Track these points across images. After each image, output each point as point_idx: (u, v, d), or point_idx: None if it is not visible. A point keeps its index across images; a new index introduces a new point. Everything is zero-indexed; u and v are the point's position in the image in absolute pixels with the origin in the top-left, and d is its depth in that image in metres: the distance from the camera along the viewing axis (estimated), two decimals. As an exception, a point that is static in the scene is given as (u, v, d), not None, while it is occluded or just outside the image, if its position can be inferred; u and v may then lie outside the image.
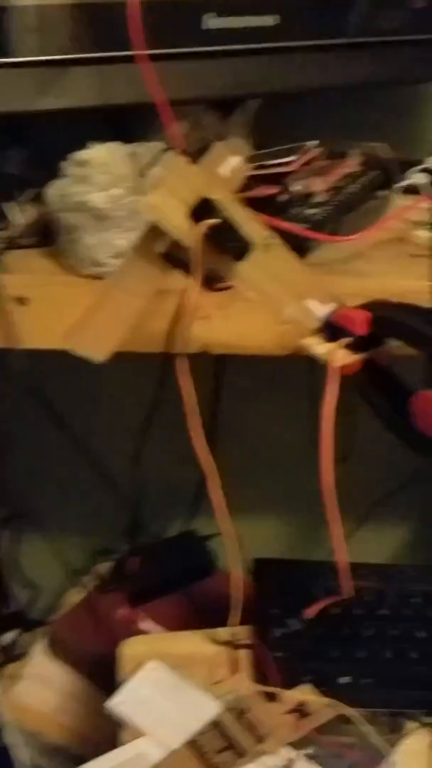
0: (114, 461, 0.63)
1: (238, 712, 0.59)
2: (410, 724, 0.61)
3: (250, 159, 0.60)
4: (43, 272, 0.58)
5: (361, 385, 0.48)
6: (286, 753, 0.57)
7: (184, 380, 0.48)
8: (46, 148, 0.63)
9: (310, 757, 0.57)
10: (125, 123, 0.69)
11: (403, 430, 0.47)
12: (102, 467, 0.62)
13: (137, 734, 0.58)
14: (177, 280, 0.53)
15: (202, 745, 0.57)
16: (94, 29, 0.59)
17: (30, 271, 0.58)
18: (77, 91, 0.60)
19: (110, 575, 0.90)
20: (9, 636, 0.78)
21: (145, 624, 0.82)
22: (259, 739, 0.57)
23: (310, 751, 0.58)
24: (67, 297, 0.56)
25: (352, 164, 0.67)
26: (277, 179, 0.64)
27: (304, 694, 0.60)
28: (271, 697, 0.60)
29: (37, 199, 0.65)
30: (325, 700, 0.59)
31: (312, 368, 0.91)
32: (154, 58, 0.56)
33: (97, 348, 0.45)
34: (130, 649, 0.65)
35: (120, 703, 0.59)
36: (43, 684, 0.86)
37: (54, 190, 0.55)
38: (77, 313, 0.47)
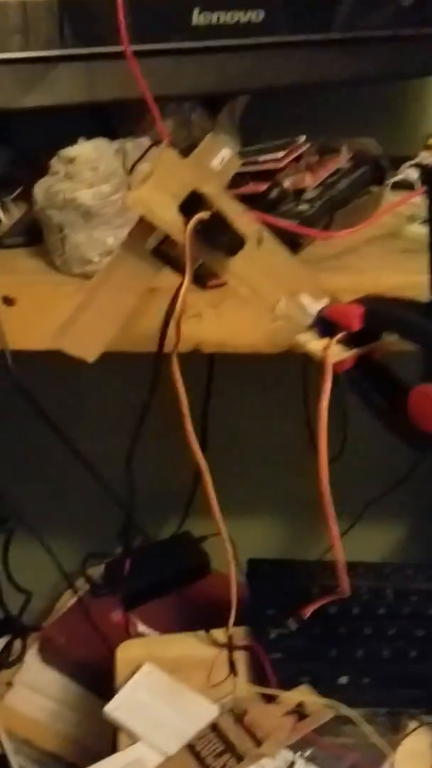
0: (106, 463, 0.62)
1: (236, 714, 0.58)
2: (410, 724, 0.60)
3: (239, 155, 0.59)
4: (30, 272, 0.57)
5: (355, 380, 0.48)
6: (285, 755, 0.56)
7: (177, 380, 0.47)
8: (32, 147, 0.62)
9: (310, 759, 0.57)
10: (110, 121, 0.69)
11: (398, 426, 0.46)
12: (94, 469, 0.61)
13: (134, 739, 0.58)
14: (167, 278, 0.52)
15: (200, 749, 0.56)
16: (80, 25, 0.58)
17: (16, 270, 0.57)
18: (63, 87, 0.59)
19: (103, 578, 0.89)
20: (1, 642, 0.77)
21: (139, 627, 0.82)
22: (258, 742, 0.56)
23: (309, 752, 0.57)
24: (55, 297, 0.55)
25: (341, 160, 0.67)
26: (267, 175, 0.64)
27: (303, 695, 0.59)
28: (268, 699, 0.59)
29: (24, 197, 0.64)
30: (324, 700, 0.59)
31: (304, 366, 0.91)
32: (141, 54, 0.56)
33: (87, 347, 0.44)
34: (125, 652, 0.64)
35: (116, 708, 0.58)
36: (36, 691, 0.85)
37: (41, 188, 0.54)
38: (65, 314, 0.46)
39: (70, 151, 0.54)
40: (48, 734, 0.83)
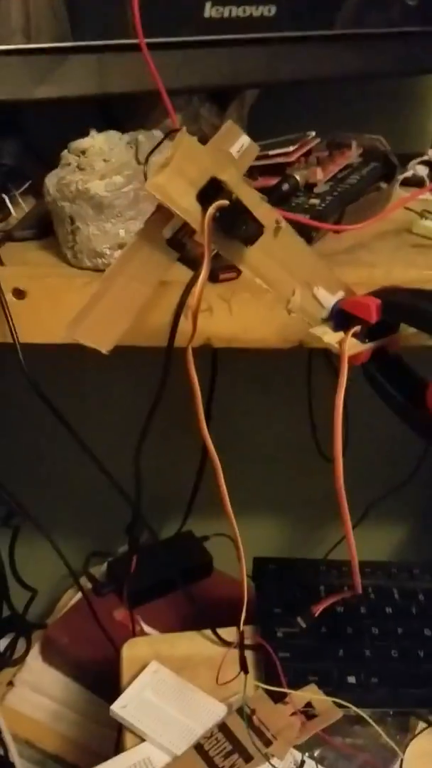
0: (111, 460, 0.62)
1: (244, 714, 0.57)
2: (419, 724, 0.59)
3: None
4: (41, 265, 0.56)
5: (372, 374, 0.47)
6: (294, 755, 0.56)
7: (192, 374, 0.46)
8: (41, 140, 0.61)
9: (319, 760, 0.56)
10: (118, 115, 0.68)
11: (415, 420, 0.46)
12: (101, 464, 0.61)
13: (141, 739, 0.57)
14: (178, 271, 0.52)
15: (208, 749, 0.55)
16: (91, 17, 0.57)
17: (27, 263, 0.56)
18: (75, 80, 0.58)
19: (107, 577, 0.88)
20: (5, 640, 0.76)
21: (143, 626, 0.81)
22: (267, 742, 0.56)
23: (318, 753, 0.57)
24: (66, 290, 0.54)
25: (352, 156, 0.67)
26: (277, 170, 0.63)
27: (312, 694, 0.58)
28: (277, 699, 0.59)
29: (33, 191, 0.63)
30: (333, 700, 0.58)
31: (309, 365, 0.91)
32: (152, 46, 0.55)
33: (102, 337, 0.43)
34: (131, 650, 0.63)
35: (123, 706, 0.58)
36: (37, 691, 0.84)
37: (52, 180, 0.54)
38: (76, 307, 0.45)
39: (81, 143, 0.54)
40: (49, 735, 0.82)
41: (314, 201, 0.60)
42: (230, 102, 0.71)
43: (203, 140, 0.44)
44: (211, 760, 0.55)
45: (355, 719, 0.59)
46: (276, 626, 0.65)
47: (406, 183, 0.69)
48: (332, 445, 0.48)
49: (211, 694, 0.60)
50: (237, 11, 0.61)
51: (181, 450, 0.85)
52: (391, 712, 0.60)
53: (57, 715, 0.83)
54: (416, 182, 0.70)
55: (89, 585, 0.86)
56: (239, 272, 0.54)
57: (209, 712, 0.58)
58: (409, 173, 0.69)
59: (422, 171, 0.69)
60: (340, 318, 0.46)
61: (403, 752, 0.57)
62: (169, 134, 0.43)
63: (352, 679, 0.61)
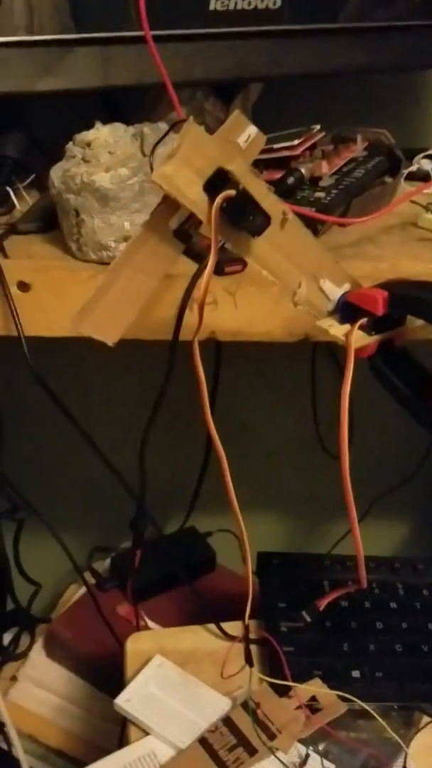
0: (116, 454, 0.62)
1: (249, 708, 0.57)
2: (423, 718, 0.59)
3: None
4: (46, 258, 0.56)
5: (378, 367, 0.47)
6: (299, 749, 0.55)
7: (198, 366, 0.46)
8: (47, 133, 0.61)
9: (324, 753, 0.56)
10: (122, 109, 0.68)
11: (422, 413, 0.46)
12: (105, 457, 0.61)
13: (145, 732, 0.57)
14: (183, 264, 0.52)
15: (213, 742, 0.55)
16: (96, 9, 0.57)
17: (31, 256, 0.56)
18: (79, 72, 0.58)
19: (110, 572, 0.88)
20: (8, 634, 0.76)
21: (146, 621, 0.81)
22: (271, 736, 0.56)
23: (323, 746, 0.57)
24: (71, 283, 0.54)
25: (357, 149, 0.66)
26: (282, 163, 0.63)
27: (317, 688, 0.58)
28: (281, 693, 0.59)
29: (38, 184, 0.63)
30: (338, 694, 0.58)
31: (312, 362, 0.91)
32: (157, 39, 0.55)
33: (108, 330, 0.43)
34: (135, 644, 0.63)
35: (127, 700, 0.57)
36: (40, 686, 0.84)
37: (57, 172, 0.54)
38: (81, 300, 0.45)
39: (87, 135, 0.54)
40: (52, 730, 0.82)
41: (319, 194, 0.60)
42: (235, 96, 0.70)
43: (208, 134, 0.44)
44: (215, 753, 0.55)
45: (360, 713, 0.58)
46: (280, 620, 0.65)
47: (411, 177, 0.69)
48: (337, 439, 0.48)
49: (215, 688, 0.60)
50: (242, 4, 0.60)
51: (185, 445, 0.85)
52: (396, 707, 0.60)
53: (60, 710, 0.83)
54: (421, 176, 0.70)
55: (92, 580, 0.86)
56: (245, 265, 0.54)
57: (213, 706, 0.58)
58: (414, 167, 0.69)
59: (427, 165, 0.69)
60: (347, 310, 0.46)
61: (408, 746, 0.57)
62: (175, 126, 0.42)
63: (356, 674, 0.61)
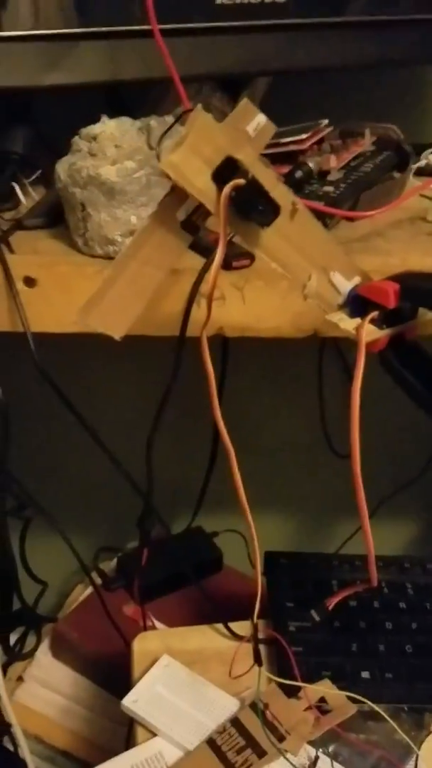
0: (123, 454, 0.61)
1: (257, 709, 0.56)
2: (435, 720, 0.58)
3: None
4: (52, 253, 0.56)
5: (389, 361, 0.46)
6: (309, 751, 0.55)
7: (207, 361, 0.45)
8: (53, 129, 0.61)
9: (333, 756, 0.55)
10: (128, 104, 0.68)
11: (434, 408, 0.45)
12: (111, 455, 0.60)
13: (152, 733, 0.56)
14: (190, 258, 0.51)
15: (221, 743, 0.55)
16: (102, 2, 0.57)
17: (37, 252, 0.56)
18: (85, 66, 0.58)
19: (116, 572, 0.87)
20: (15, 634, 0.76)
21: (153, 621, 0.80)
22: (280, 737, 0.55)
23: (332, 748, 0.56)
24: (77, 277, 0.54)
25: (365, 144, 0.66)
26: (289, 158, 0.63)
27: (327, 689, 0.57)
28: (290, 694, 0.58)
29: (44, 180, 0.63)
30: (347, 695, 0.57)
31: (320, 360, 0.90)
32: (164, 33, 0.54)
33: (114, 323, 0.42)
34: (142, 644, 0.63)
35: (134, 701, 0.57)
36: (46, 687, 0.83)
37: (63, 166, 0.53)
38: (87, 295, 0.45)
39: (93, 129, 0.53)
40: (59, 731, 0.81)
41: (328, 188, 0.59)
42: (241, 91, 0.70)
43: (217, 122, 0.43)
44: (223, 755, 0.54)
45: (370, 715, 0.58)
46: (288, 620, 0.64)
47: (420, 173, 0.68)
48: (345, 438, 0.47)
49: (223, 689, 0.59)
50: (249, -3, 0.60)
51: (191, 444, 0.85)
52: (406, 708, 0.59)
53: (66, 711, 0.82)
54: (430, 171, 0.69)
55: (99, 580, 0.86)
56: (253, 259, 0.53)
57: (221, 706, 0.58)
58: (422, 162, 0.69)
59: (437, 160, 0.68)
60: (357, 304, 0.46)
61: (419, 748, 0.56)
62: (181, 117, 0.42)
63: (366, 674, 0.61)
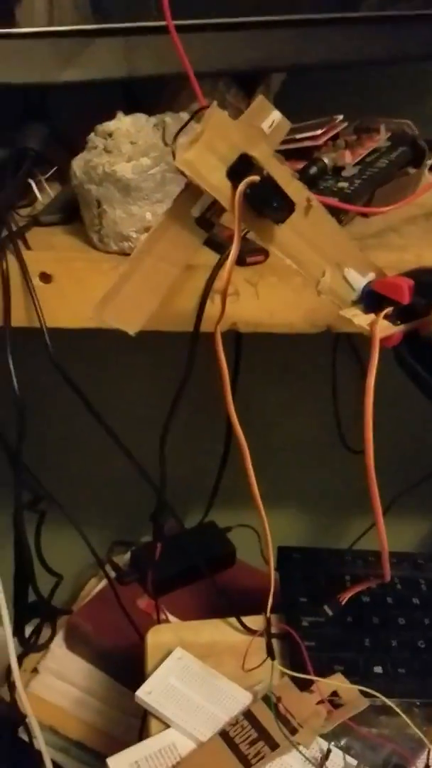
0: (137, 448, 0.62)
1: (270, 702, 0.57)
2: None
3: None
4: (67, 249, 0.56)
5: (403, 357, 0.46)
6: (321, 744, 0.55)
7: (220, 356, 0.46)
8: (69, 126, 0.61)
9: (345, 749, 0.55)
10: (143, 101, 0.68)
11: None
12: (126, 448, 0.61)
13: (166, 725, 0.57)
14: (204, 254, 0.51)
15: (234, 735, 0.55)
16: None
17: (53, 248, 0.56)
18: (101, 63, 0.58)
19: (130, 566, 0.88)
20: (30, 626, 0.77)
21: (167, 615, 0.81)
22: (292, 730, 0.55)
23: (344, 742, 0.56)
24: (92, 274, 0.54)
25: (380, 139, 0.66)
26: (304, 153, 0.63)
27: (339, 682, 0.58)
28: (302, 687, 0.58)
29: (60, 176, 0.63)
30: (359, 689, 0.57)
31: (333, 356, 0.90)
32: (179, 28, 0.55)
33: (129, 319, 0.43)
34: (155, 637, 0.63)
35: (148, 692, 0.57)
36: (61, 678, 0.84)
37: (79, 163, 0.54)
38: (102, 291, 0.45)
39: (108, 125, 0.54)
40: (73, 722, 0.82)
41: (342, 184, 0.59)
42: (256, 87, 0.70)
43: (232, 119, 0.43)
44: (236, 747, 0.54)
45: (382, 709, 0.58)
46: (301, 615, 0.65)
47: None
48: (359, 434, 0.47)
49: (235, 682, 0.59)
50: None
51: (204, 440, 0.85)
52: (418, 703, 0.59)
53: (81, 703, 0.83)
54: (446, 167, 0.69)
55: (113, 573, 0.86)
56: (267, 255, 0.54)
57: (234, 699, 0.58)
58: (438, 158, 0.68)
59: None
60: (371, 300, 0.46)
61: (431, 742, 0.56)
62: (197, 113, 0.42)
63: (378, 669, 0.61)
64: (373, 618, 0.65)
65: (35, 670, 0.84)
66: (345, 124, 0.66)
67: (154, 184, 0.52)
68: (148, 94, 0.67)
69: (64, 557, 0.78)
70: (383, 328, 0.44)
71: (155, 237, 0.42)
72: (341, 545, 0.96)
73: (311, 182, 0.58)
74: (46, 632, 0.82)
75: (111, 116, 0.56)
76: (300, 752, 0.53)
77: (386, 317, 0.45)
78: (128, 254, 0.54)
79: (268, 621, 0.61)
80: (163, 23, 0.54)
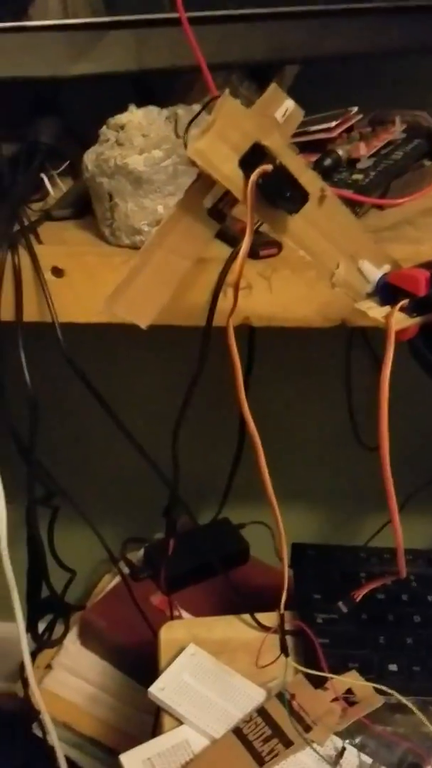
0: (150, 445, 0.61)
1: (284, 699, 0.56)
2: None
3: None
4: (79, 243, 0.56)
5: (419, 350, 0.46)
6: (335, 742, 0.54)
7: (233, 350, 0.45)
8: (81, 121, 0.61)
9: (360, 747, 0.55)
10: (155, 94, 0.67)
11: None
12: (138, 443, 0.60)
13: (179, 721, 0.56)
14: (216, 248, 0.51)
15: (247, 732, 0.55)
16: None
17: (65, 242, 0.56)
18: (113, 55, 0.58)
19: (143, 562, 0.88)
20: (43, 623, 0.77)
21: (180, 611, 0.80)
22: (306, 728, 0.55)
23: (359, 740, 0.55)
24: (104, 268, 0.54)
25: (395, 131, 0.65)
26: (318, 146, 0.62)
27: (354, 680, 0.57)
28: (317, 684, 0.58)
29: (72, 171, 0.63)
30: (375, 686, 0.57)
31: (347, 352, 0.89)
32: (192, 20, 0.54)
33: (141, 312, 0.42)
34: (168, 633, 0.63)
35: (161, 689, 0.57)
36: (75, 674, 0.84)
37: (90, 156, 0.53)
38: (114, 285, 0.45)
39: (120, 118, 0.53)
40: (86, 718, 0.82)
41: (357, 176, 0.58)
42: (270, 80, 0.69)
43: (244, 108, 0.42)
44: (250, 744, 0.54)
45: (397, 707, 0.57)
46: (315, 612, 0.64)
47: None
48: (374, 430, 0.47)
49: (249, 679, 0.59)
50: (277, -17, 0.59)
51: (217, 436, 0.84)
52: (434, 701, 0.58)
53: (94, 699, 0.83)
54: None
55: (126, 570, 0.86)
56: (280, 249, 0.53)
57: (248, 696, 0.58)
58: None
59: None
60: (386, 292, 0.45)
61: (447, 742, 0.56)
62: (209, 103, 0.42)
63: (393, 667, 0.60)
64: (388, 615, 0.65)
65: (49, 666, 0.84)
66: (359, 117, 0.65)
67: (166, 176, 0.51)
68: (160, 88, 0.67)
69: (78, 553, 0.78)
70: (399, 320, 0.44)
71: (167, 229, 0.42)
72: (355, 542, 0.95)
73: (325, 174, 0.57)
74: (59, 629, 0.82)
75: (123, 110, 0.56)
76: (315, 750, 0.53)
77: (402, 309, 0.44)
78: (140, 248, 0.54)
79: (282, 617, 0.61)
80: (175, 15, 0.53)
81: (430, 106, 0.69)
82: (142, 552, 0.91)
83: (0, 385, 0.56)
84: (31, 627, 0.74)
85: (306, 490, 1.00)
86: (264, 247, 0.52)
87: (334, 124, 0.62)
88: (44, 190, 0.62)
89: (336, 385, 0.93)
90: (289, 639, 0.62)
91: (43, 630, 0.77)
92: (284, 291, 0.54)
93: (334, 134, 0.62)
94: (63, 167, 0.63)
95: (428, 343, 0.45)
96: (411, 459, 0.91)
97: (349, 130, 0.64)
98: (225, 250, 0.52)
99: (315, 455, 1.00)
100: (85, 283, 0.54)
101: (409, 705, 0.56)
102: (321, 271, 0.45)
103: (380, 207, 0.60)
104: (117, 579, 0.89)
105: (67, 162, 0.63)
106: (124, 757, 0.54)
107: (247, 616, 0.65)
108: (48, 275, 0.54)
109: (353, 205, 0.55)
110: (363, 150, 0.61)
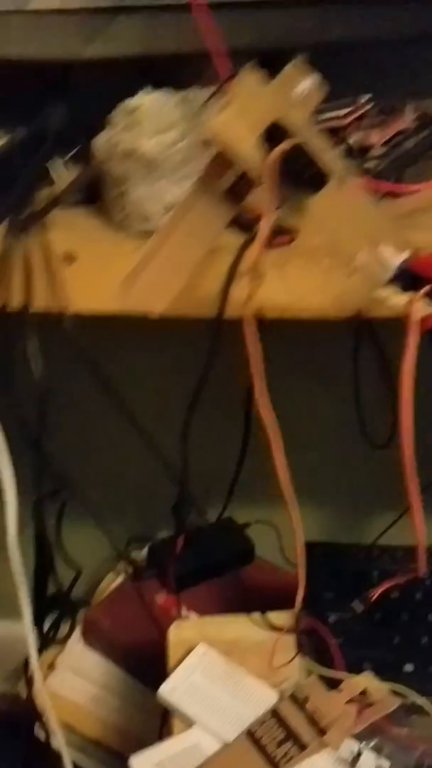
0: (156, 441, 0.60)
1: (297, 701, 0.55)
2: None
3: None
4: (90, 229, 0.55)
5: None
6: (351, 745, 0.53)
7: (251, 339, 0.44)
8: (91, 107, 0.60)
9: (376, 750, 0.53)
10: (165, 81, 0.66)
11: None
12: (147, 438, 0.59)
13: (189, 724, 0.55)
14: (228, 236, 0.49)
15: (261, 736, 0.53)
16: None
17: (75, 228, 0.55)
18: (123, 40, 0.57)
19: (147, 561, 0.86)
20: (48, 620, 0.75)
21: (183, 611, 0.79)
22: (322, 731, 0.53)
23: (375, 742, 0.54)
24: (115, 254, 0.52)
25: (406, 120, 0.64)
26: (330, 134, 0.61)
27: (369, 681, 0.56)
28: (331, 686, 0.56)
29: (82, 156, 0.62)
30: (391, 686, 0.55)
31: (355, 348, 0.88)
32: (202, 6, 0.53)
33: (154, 299, 0.41)
34: (177, 633, 0.61)
35: (171, 690, 0.55)
36: (78, 675, 0.83)
37: (101, 141, 0.52)
38: (125, 272, 0.44)
39: (130, 102, 0.52)
40: (90, 720, 0.80)
41: (370, 164, 0.57)
42: (280, 67, 0.68)
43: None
44: (263, 748, 0.52)
45: (413, 708, 0.56)
46: (327, 611, 0.63)
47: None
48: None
49: (262, 680, 0.57)
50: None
51: (222, 435, 0.83)
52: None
53: (98, 700, 0.81)
54: None
55: (130, 569, 0.85)
56: (293, 237, 0.51)
57: (260, 697, 0.56)
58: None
59: None
60: (407, 279, 0.44)
61: (465, 744, 0.54)
62: (226, 82, 0.40)
63: (409, 667, 0.59)
64: (402, 614, 0.63)
65: (52, 666, 0.82)
66: (371, 105, 0.64)
67: (178, 160, 0.50)
68: (170, 75, 0.65)
69: (82, 552, 0.77)
70: (421, 308, 0.42)
71: (182, 211, 0.40)
72: (362, 540, 0.94)
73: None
74: (64, 626, 0.81)
75: (133, 95, 0.54)
76: (331, 753, 0.51)
77: (425, 296, 0.43)
78: (151, 235, 0.52)
79: (296, 616, 0.59)
80: (185, 0, 0.52)
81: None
82: (145, 551, 0.89)
83: (8, 377, 0.55)
84: (36, 625, 0.72)
85: (312, 487, 0.99)
86: (276, 236, 0.51)
87: (345, 112, 0.61)
88: (54, 176, 0.60)
89: (342, 382, 0.91)
90: (303, 639, 0.61)
91: (48, 628, 0.76)
92: (298, 281, 0.53)
93: (345, 122, 0.61)
94: (73, 153, 0.62)
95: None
96: (424, 454, 0.90)
97: (361, 118, 0.63)
98: (236, 240, 0.50)
99: (323, 453, 0.99)
100: (96, 270, 0.53)
101: (425, 706, 0.55)
102: (339, 258, 0.43)
103: (394, 195, 0.58)
104: (121, 578, 0.87)
105: (78, 147, 0.62)
106: (134, 761, 0.52)
107: (257, 616, 0.63)
108: (58, 262, 0.52)
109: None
110: (375, 138, 0.60)
